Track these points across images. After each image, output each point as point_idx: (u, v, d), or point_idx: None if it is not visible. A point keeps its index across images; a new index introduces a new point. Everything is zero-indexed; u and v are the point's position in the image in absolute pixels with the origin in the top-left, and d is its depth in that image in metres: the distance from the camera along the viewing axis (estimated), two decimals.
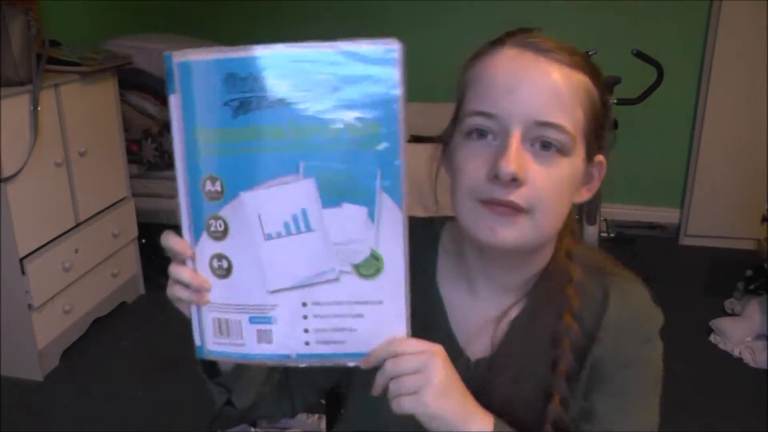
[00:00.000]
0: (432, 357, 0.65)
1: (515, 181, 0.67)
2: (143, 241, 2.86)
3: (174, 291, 0.67)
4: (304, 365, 0.68)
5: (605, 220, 2.88)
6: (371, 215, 0.62)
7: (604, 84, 0.74)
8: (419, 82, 3.71)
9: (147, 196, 2.96)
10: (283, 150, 0.61)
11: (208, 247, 0.65)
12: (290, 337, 0.67)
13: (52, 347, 2.37)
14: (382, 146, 0.61)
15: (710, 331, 2.60)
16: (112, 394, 2.28)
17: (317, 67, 0.60)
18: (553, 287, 0.78)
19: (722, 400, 2.19)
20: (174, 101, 0.63)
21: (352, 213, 0.63)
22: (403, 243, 0.63)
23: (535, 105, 0.67)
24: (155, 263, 2.90)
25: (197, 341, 0.69)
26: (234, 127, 0.61)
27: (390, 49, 0.59)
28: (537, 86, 0.68)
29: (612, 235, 3.10)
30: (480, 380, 0.76)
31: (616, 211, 3.47)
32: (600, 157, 0.76)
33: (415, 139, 3.28)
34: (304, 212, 0.63)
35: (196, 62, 0.61)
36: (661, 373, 0.78)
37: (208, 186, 0.63)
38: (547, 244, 0.78)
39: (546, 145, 0.68)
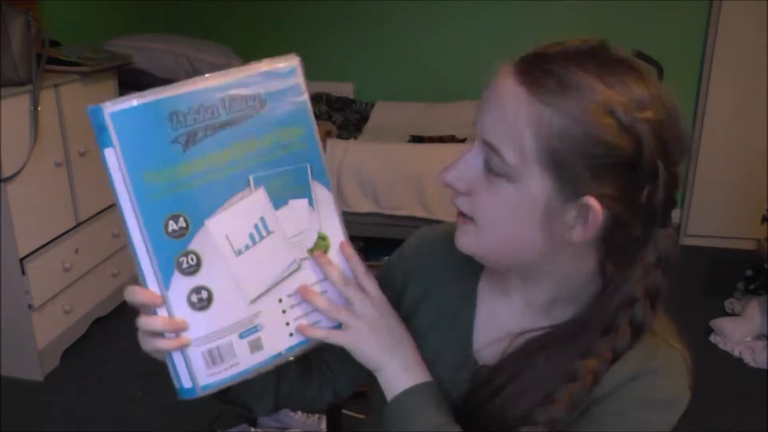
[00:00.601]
0: (365, 300, 0.74)
1: (452, 188, 0.72)
2: None
3: (149, 344, 0.67)
4: (294, 357, 0.73)
5: None
6: (311, 203, 0.73)
7: (622, 126, 0.63)
8: (421, 83, 3.73)
9: None
10: (233, 169, 0.67)
11: (183, 285, 0.65)
12: (277, 335, 0.72)
13: (52, 347, 2.37)
14: (305, 144, 0.71)
15: (710, 331, 2.60)
16: (112, 394, 2.28)
17: (243, 90, 0.66)
18: (587, 326, 0.72)
19: (722, 400, 2.19)
20: (111, 156, 0.61)
21: (297, 207, 0.72)
22: (338, 215, 0.75)
23: (486, 124, 0.69)
24: None
25: (185, 384, 0.67)
26: (186, 160, 0.63)
27: (293, 65, 0.70)
28: (491, 106, 0.69)
29: None
30: (478, 385, 0.77)
31: None
32: (588, 200, 0.65)
33: (416, 139, 3.27)
34: (262, 219, 0.69)
35: (133, 108, 0.60)
36: None
37: (172, 226, 0.63)
38: (545, 267, 0.73)
39: (490, 165, 0.69)
